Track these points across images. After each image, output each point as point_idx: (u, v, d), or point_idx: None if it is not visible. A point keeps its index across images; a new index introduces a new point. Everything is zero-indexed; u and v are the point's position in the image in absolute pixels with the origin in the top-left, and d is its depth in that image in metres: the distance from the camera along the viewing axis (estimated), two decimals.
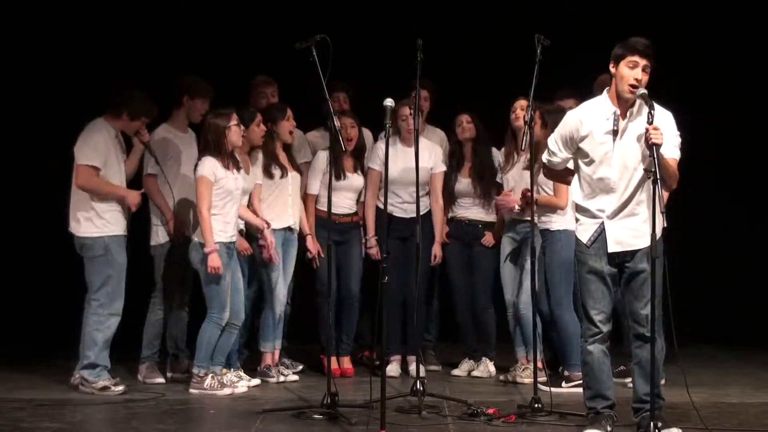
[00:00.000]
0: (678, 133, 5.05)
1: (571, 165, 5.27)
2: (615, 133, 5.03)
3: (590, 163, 5.08)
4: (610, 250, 5.04)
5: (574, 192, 5.20)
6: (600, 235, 5.05)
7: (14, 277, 8.47)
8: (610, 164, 5.02)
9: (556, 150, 5.22)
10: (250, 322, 7.00)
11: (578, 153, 5.13)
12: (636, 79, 4.96)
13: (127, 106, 6.50)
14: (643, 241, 4.99)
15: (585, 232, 5.11)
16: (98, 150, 6.39)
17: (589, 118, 5.11)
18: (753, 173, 8.68)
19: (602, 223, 5.06)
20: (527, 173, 6.46)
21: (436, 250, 7.25)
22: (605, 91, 5.13)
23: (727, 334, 8.41)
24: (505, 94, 6.92)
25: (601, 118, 5.07)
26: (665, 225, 4.86)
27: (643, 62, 4.97)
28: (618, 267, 5.08)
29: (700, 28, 8.54)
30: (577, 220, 5.22)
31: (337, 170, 6.96)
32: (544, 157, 5.35)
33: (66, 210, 6.49)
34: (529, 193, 6.09)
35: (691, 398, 5.22)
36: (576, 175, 5.22)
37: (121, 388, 6.37)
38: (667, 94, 5.22)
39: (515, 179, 6.86)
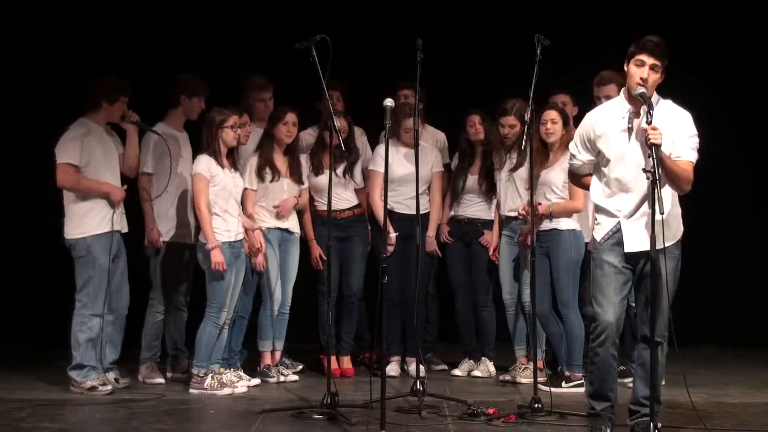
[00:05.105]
0: (695, 133, 4.97)
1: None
2: (630, 131, 4.98)
3: (607, 162, 5.04)
4: (626, 250, 4.97)
5: (594, 192, 5.13)
6: (615, 233, 5.00)
7: (14, 277, 8.46)
8: (625, 163, 4.98)
9: (576, 152, 5.21)
10: (250, 322, 7.00)
11: (598, 154, 5.09)
12: (642, 78, 4.90)
13: (100, 93, 6.48)
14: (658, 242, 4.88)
15: (601, 230, 5.06)
16: (75, 147, 6.35)
17: (604, 117, 5.09)
18: (753, 173, 8.68)
19: (618, 222, 5.00)
20: (514, 174, 6.76)
21: (429, 241, 7.25)
22: (621, 91, 5.10)
23: (727, 334, 8.42)
24: (505, 94, 6.93)
25: (616, 117, 5.04)
26: (683, 230, 4.92)
27: (650, 61, 4.91)
28: (632, 268, 5.01)
29: (704, 25, 8.52)
30: (595, 219, 5.16)
31: (316, 165, 7.07)
32: (568, 161, 5.36)
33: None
34: (537, 203, 6.11)
35: (691, 398, 5.22)
36: (596, 176, 5.15)
37: (108, 387, 6.35)
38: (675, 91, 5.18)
39: (503, 179, 6.94)
